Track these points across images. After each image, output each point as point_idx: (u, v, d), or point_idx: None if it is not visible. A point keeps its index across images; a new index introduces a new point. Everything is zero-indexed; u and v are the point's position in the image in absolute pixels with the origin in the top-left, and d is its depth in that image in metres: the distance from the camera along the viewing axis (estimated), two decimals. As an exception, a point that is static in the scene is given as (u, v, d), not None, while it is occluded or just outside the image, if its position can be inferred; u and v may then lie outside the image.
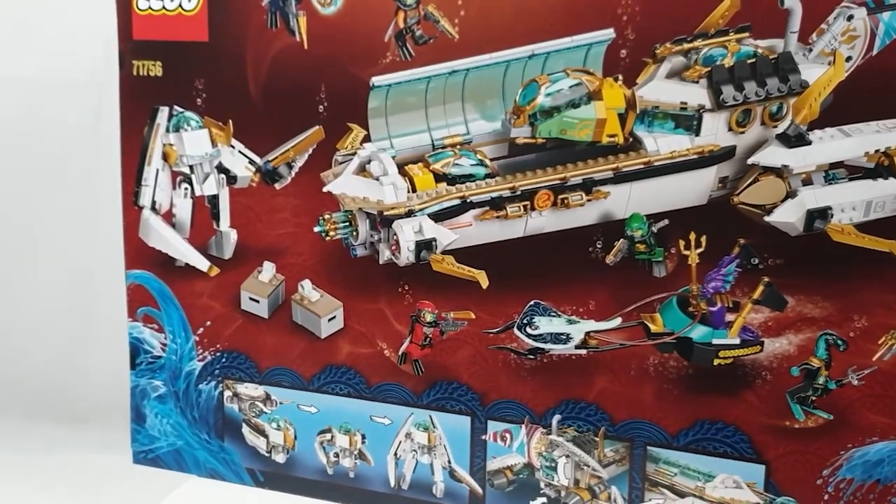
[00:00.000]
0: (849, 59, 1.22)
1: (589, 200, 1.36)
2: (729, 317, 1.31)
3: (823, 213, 1.26)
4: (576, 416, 1.42)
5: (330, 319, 1.53)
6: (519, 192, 1.39)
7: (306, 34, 1.47)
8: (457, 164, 1.42)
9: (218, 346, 1.61)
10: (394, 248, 1.45)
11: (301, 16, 1.47)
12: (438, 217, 1.42)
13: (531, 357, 1.42)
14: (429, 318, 1.46)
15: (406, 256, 1.43)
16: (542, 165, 1.39)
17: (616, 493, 1.41)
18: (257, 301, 1.57)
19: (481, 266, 1.42)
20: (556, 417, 1.43)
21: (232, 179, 1.56)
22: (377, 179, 1.45)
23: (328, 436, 1.56)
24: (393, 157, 1.45)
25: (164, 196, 1.60)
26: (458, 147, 1.44)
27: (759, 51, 1.27)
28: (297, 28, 1.48)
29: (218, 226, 1.58)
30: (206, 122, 1.55)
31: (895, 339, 1.24)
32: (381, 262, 1.48)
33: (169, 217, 1.60)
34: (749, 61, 1.27)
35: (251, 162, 1.55)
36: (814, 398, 1.29)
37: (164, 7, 1.54)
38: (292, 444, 1.58)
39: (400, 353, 1.50)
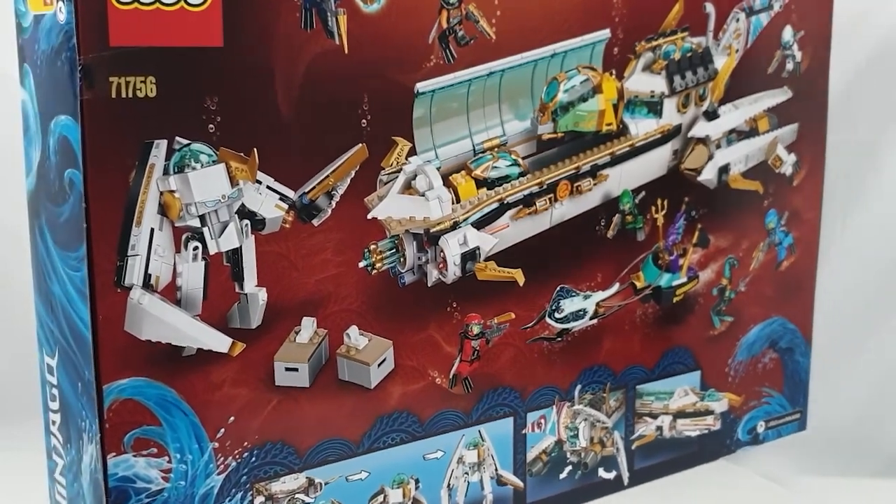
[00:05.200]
0: (737, 50, 1.63)
1: (595, 184, 1.49)
2: (680, 261, 1.61)
3: (726, 168, 1.65)
4: (591, 380, 1.54)
5: (380, 364, 1.31)
6: (545, 186, 1.43)
7: (346, 36, 1.22)
8: (495, 168, 1.39)
9: (245, 443, 1.22)
10: (441, 265, 1.34)
11: (341, 14, 1.21)
12: (479, 224, 1.38)
13: (559, 340, 1.49)
14: (476, 329, 1.40)
15: (453, 272, 1.36)
16: (560, 158, 1.45)
17: (617, 437, 1.59)
18: (296, 370, 1.24)
19: (509, 265, 1.42)
20: (577, 388, 1.52)
21: (259, 224, 1.19)
22: (423, 195, 1.31)
23: (380, 498, 1.34)
24: (438, 169, 1.32)
25: (163, 265, 1.13)
26: (496, 149, 1.39)
27: (693, 46, 1.57)
28: (336, 29, 1.21)
29: (242, 288, 1.19)
30: (221, 154, 1.14)
31: (760, 250, 1.72)
32: (429, 285, 1.34)
33: (171, 292, 1.13)
34: (688, 55, 1.56)
35: (283, 198, 1.20)
36: (723, 308, 1.69)
37: (158, -1, 1.08)
38: (341, 524, 1.31)
39: (451, 375, 1.38)
